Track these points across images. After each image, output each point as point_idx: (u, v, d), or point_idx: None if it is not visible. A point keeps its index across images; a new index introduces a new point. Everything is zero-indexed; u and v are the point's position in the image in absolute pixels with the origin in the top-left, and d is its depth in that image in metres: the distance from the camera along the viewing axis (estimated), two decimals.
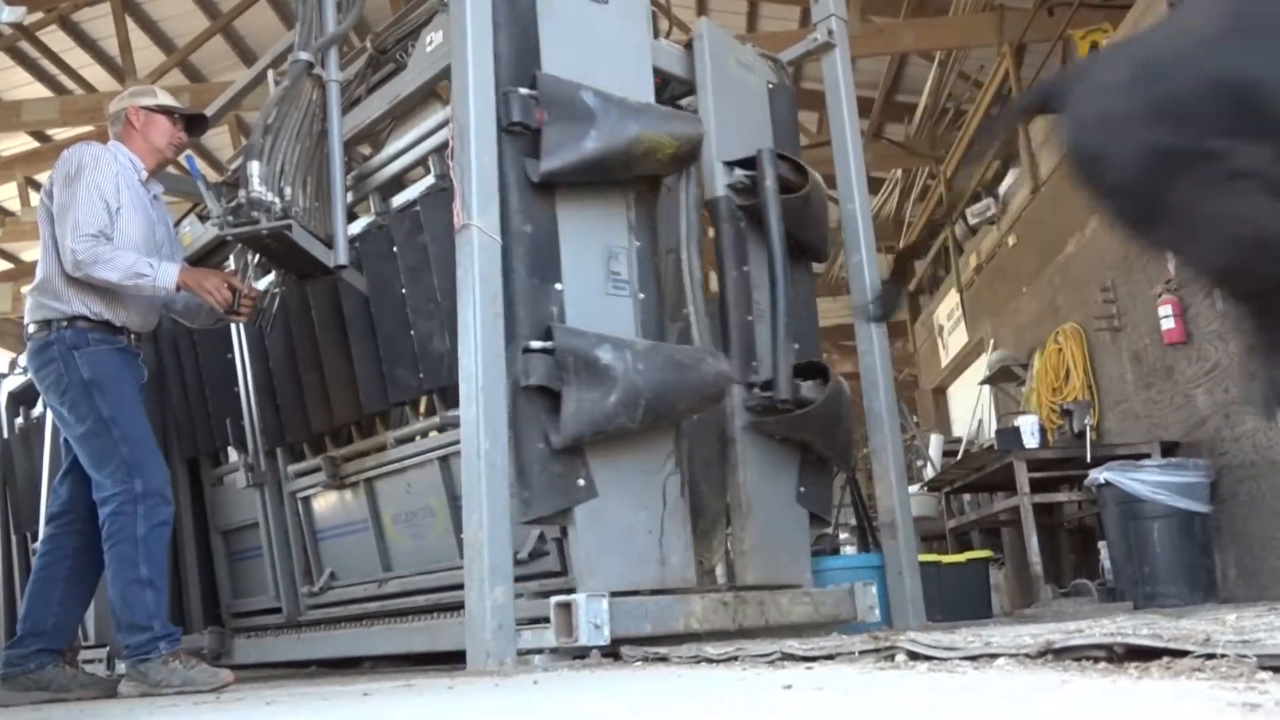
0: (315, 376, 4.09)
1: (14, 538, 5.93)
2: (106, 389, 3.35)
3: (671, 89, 3.78)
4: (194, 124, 3.78)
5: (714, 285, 3.87)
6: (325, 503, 4.27)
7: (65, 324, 3.38)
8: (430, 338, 3.57)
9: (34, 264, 12.85)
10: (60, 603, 3.43)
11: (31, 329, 3.46)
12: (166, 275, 3.35)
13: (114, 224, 3.36)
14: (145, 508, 3.27)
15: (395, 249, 3.72)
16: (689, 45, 3.79)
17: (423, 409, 3.95)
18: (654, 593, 3.09)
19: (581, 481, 3.03)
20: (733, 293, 3.54)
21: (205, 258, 4.43)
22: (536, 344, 2.99)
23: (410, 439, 3.81)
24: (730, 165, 3.60)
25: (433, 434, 3.74)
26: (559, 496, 2.99)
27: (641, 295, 3.34)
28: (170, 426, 4.77)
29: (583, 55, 3.34)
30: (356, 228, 3.88)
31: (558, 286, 3.14)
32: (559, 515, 3.01)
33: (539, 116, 3.11)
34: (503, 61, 3.19)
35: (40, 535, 3.58)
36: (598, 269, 3.25)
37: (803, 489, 3.70)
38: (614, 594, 2.96)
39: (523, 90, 3.13)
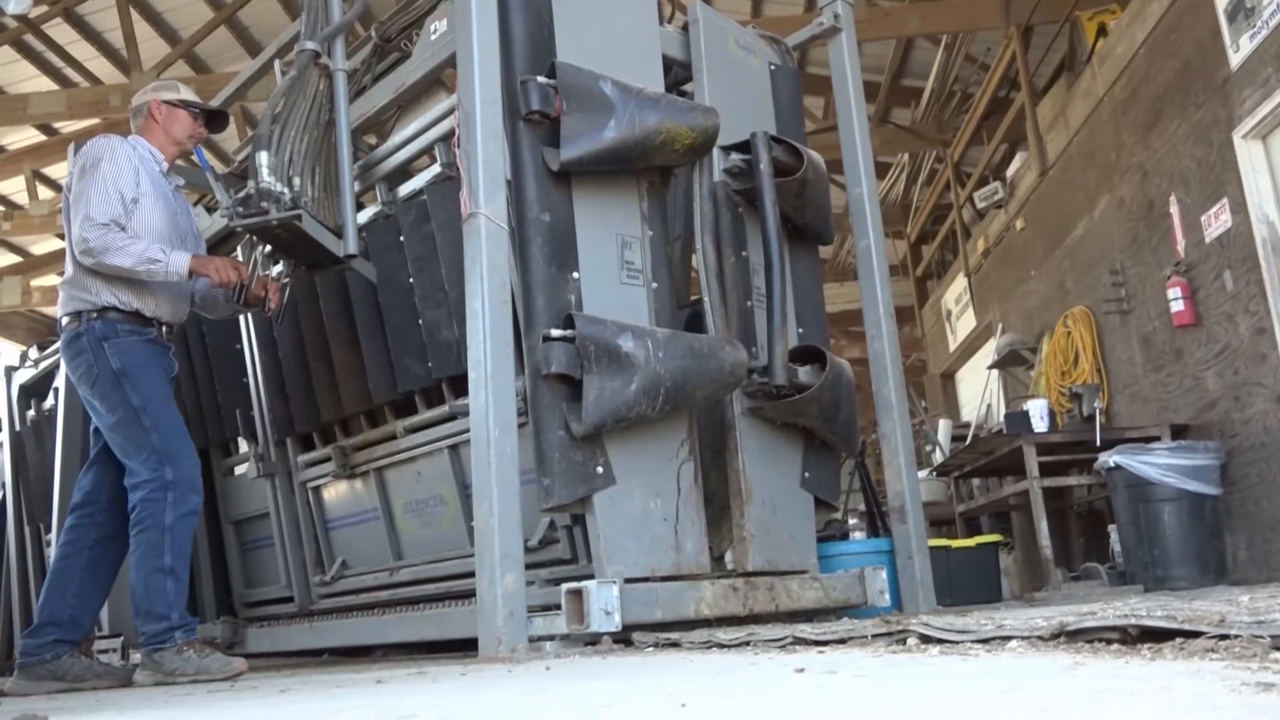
0: (324, 366, 4.10)
1: (27, 529, 5.96)
2: (135, 379, 3.36)
3: (675, 74, 3.77)
4: (214, 120, 3.81)
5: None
6: (336, 492, 4.28)
7: (95, 315, 3.39)
8: (438, 327, 3.58)
9: (43, 256, 12.87)
10: (77, 594, 3.45)
11: (64, 321, 3.49)
12: (178, 262, 3.35)
13: (130, 214, 3.38)
14: (175, 495, 3.28)
15: (402, 238, 3.72)
16: (685, 29, 3.78)
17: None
18: (666, 579, 3.10)
19: (600, 469, 3.04)
20: (730, 278, 3.53)
21: (213, 249, 4.43)
22: (557, 332, 3.00)
23: (420, 428, 3.82)
24: (726, 150, 3.58)
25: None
26: (579, 484, 3.00)
27: (654, 284, 3.34)
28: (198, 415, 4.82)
29: (596, 44, 3.34)
30: (363, 217, 3.88)
31: (575, 275, 3.14)
32: (579, 502, 3.03)
33: (558, 105, 3.11)
34: (518, 49, 3.19)
35: (63, 525, 3.60)
36: (612, 258, 3.26)
37: (807, 474, 3.69)
38: (631, 580, 2.98)
39: (541, 79, 3.13)
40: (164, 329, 3.53)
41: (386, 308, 3.79)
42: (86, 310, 3.40)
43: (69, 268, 3.47)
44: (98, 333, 3.38)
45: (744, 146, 3.56)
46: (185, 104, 3.68)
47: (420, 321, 3.64)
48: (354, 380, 3.98)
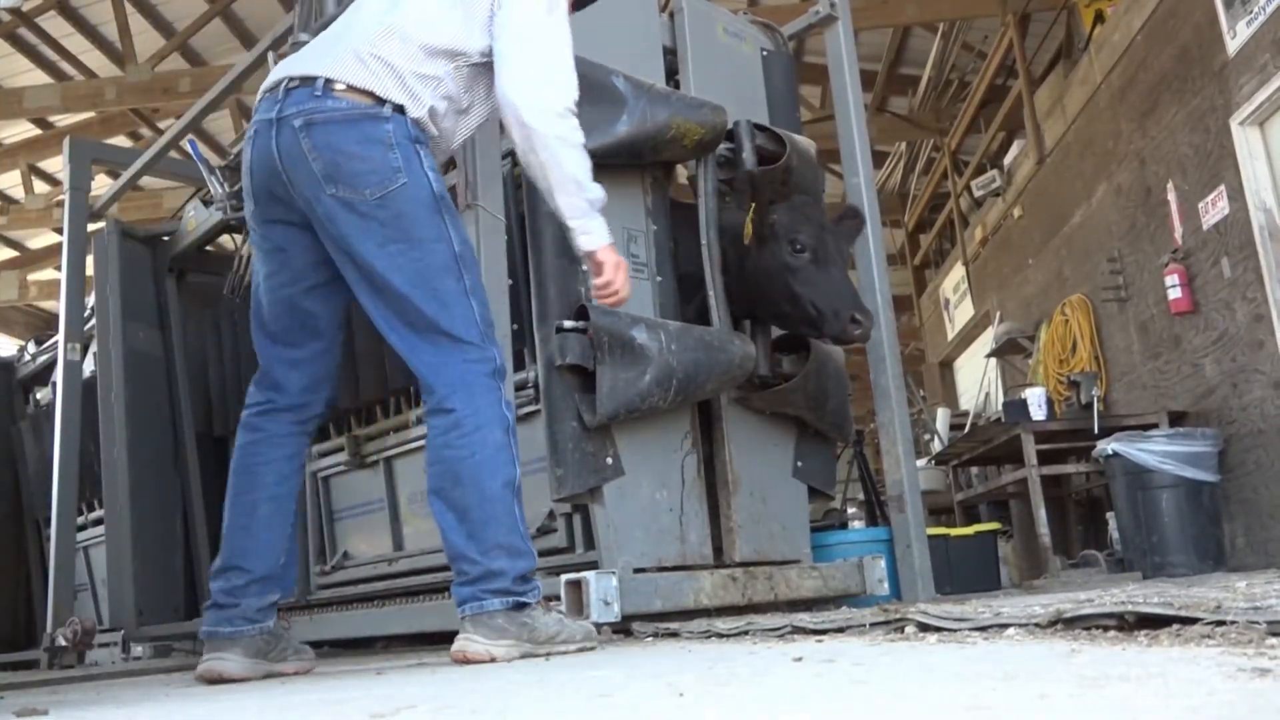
0: (346, 354, 4.11)
1: (26, 522, 5.97)
2: (456, 217, 2.39)
3: (667, 62, 3.76)
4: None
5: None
6: (344, 483, 4.30)
7: (401, 112, 2.33)
8: None
9: (40, 251, 12.67)
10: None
11: (340, 87, 2.31)
12: (601, 226, 2.52)
13: None
14: (503, 383, 2.43)
15: None
16: (671, 16, 3.77)
17: None
18: (662, 569, 3.11)
19: (610, 460, 3.06)
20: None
21: (206, 241, 4.44)
22: (570, 323, 3.00)
23: None
24: None
25: None
26: (590, 475, 3.01)
27: (659, 278, 3.35)
28: (205, 404, 4.89)
29: (602, 36, 3.33)
30: None
31: (585, 267, 3.14)
32: (588, 493, 3.04)
33: None
34: None
35: (64, 515, 3.45)
36: (618, 251, 3.25)
37: (800, 464, 3.69)
38: (638, 570, 3.00)
39: None
40: None
41: None
42: (397, 102, 2.33)
43: (386, 44, 2.35)
44: (411, 133, 2.33)
45: (728, 135, 3.56)
46: None
47: None
48: (372, 367, 4.00)
